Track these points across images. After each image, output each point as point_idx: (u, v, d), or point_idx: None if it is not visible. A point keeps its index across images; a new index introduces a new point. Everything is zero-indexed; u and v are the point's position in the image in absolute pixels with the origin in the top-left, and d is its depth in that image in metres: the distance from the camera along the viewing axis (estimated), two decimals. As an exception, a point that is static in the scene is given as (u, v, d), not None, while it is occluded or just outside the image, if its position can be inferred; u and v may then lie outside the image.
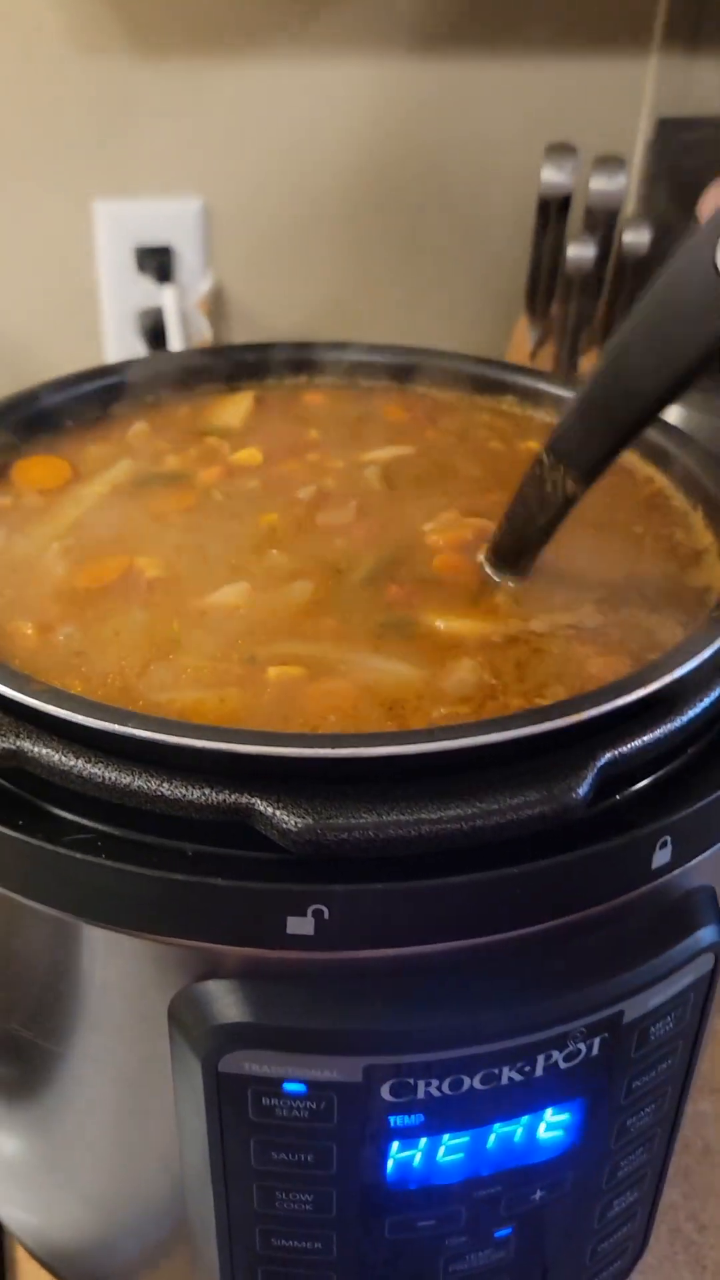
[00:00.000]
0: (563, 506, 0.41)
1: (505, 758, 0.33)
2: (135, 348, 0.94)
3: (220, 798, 0.32)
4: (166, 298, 0.91)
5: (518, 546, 0.43)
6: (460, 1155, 0.35)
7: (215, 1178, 0.35)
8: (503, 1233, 0.37)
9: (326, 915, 0.31)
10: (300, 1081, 0.32)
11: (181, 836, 0.33)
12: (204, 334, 0.93)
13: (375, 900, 0.31)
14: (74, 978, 0.36)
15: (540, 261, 0.82)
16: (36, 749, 0.33)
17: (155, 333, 0.93)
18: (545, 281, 0.83)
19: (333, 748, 0.32)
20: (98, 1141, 0.41)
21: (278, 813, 0.31)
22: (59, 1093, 0.40)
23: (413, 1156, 0.35)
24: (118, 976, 0.35)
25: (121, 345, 0.94)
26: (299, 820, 0.31)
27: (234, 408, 0.55)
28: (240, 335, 0.97)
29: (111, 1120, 0.40)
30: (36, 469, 0.50)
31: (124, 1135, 0.40)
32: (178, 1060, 0.34)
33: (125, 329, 0.94)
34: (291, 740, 0.32)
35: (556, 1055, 0.34)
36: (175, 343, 0.90)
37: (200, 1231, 0.38)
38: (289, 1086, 0.33)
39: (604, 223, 0.78)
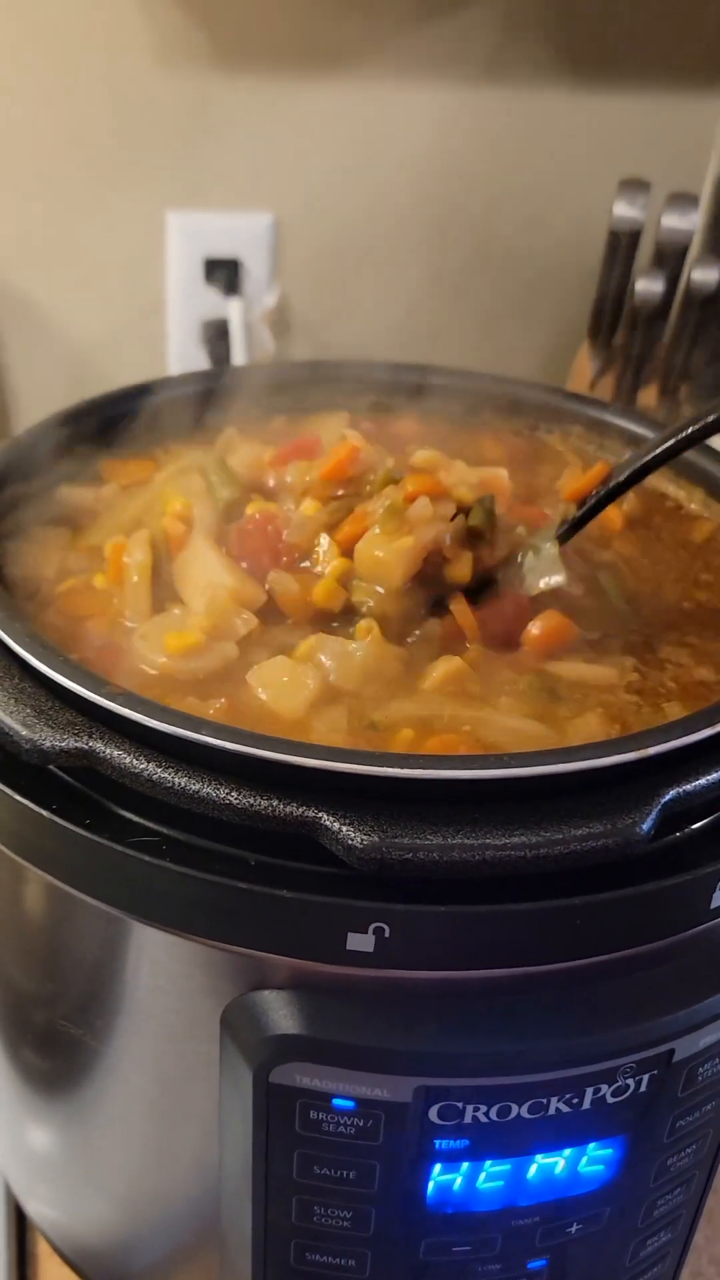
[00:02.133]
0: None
1: (571, 788, 0.33)
2: (197, 358, 0.95)
3: (287, 810, 0.32)
4: (233, 310, 0.92)
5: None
6: (500, 1183, 0.35)
7: (256, 1188, 0.35)
8: (536, 1264, 0.37)
9: (387, 934, 0.31)
10: (350, 1098, 0.33)
11: (245, 845, 0.33)
12: (267, 347, 0.94)
13: (436, 922, 0.32)
14: (126, 977, 0.36)
15: (607, 293, 0.83)
16: (108, 750, 0.33)
17: (217, 344, 0.94)
18: (610, 313, 0.83)
19: (401, 767, 0.32)
20: (132, 1141, 0.42)
21: (344, 828, 0.31)
22: (97, 1089, 0.41)
23: (454, 1180, 0.35)
24: (171, 979, 0.35)
25: (184, 355, 0.95)
26: (365, 837, 0.31)
27: (329, 428, 0.54)
28: (302, 351, 0.98)
29: (148, 1121, 0.40)
30: (123, 466, 0.51)
31: (160, 1137, 0.41)
32: (227, 1067, 0.34)
33: (189, 339, 0.95)
34: (360, 757, 0.32)
35: (605, 1089, 0.34)
36: (238, 355, 0.91)
37: (233, 1240, 0.38)
38: (338, 1102, 0.33)
39: (673, 258, 0.78)
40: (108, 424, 0.53)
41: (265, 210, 0.93)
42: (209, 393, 0.56)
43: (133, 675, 0.39)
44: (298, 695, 0.38)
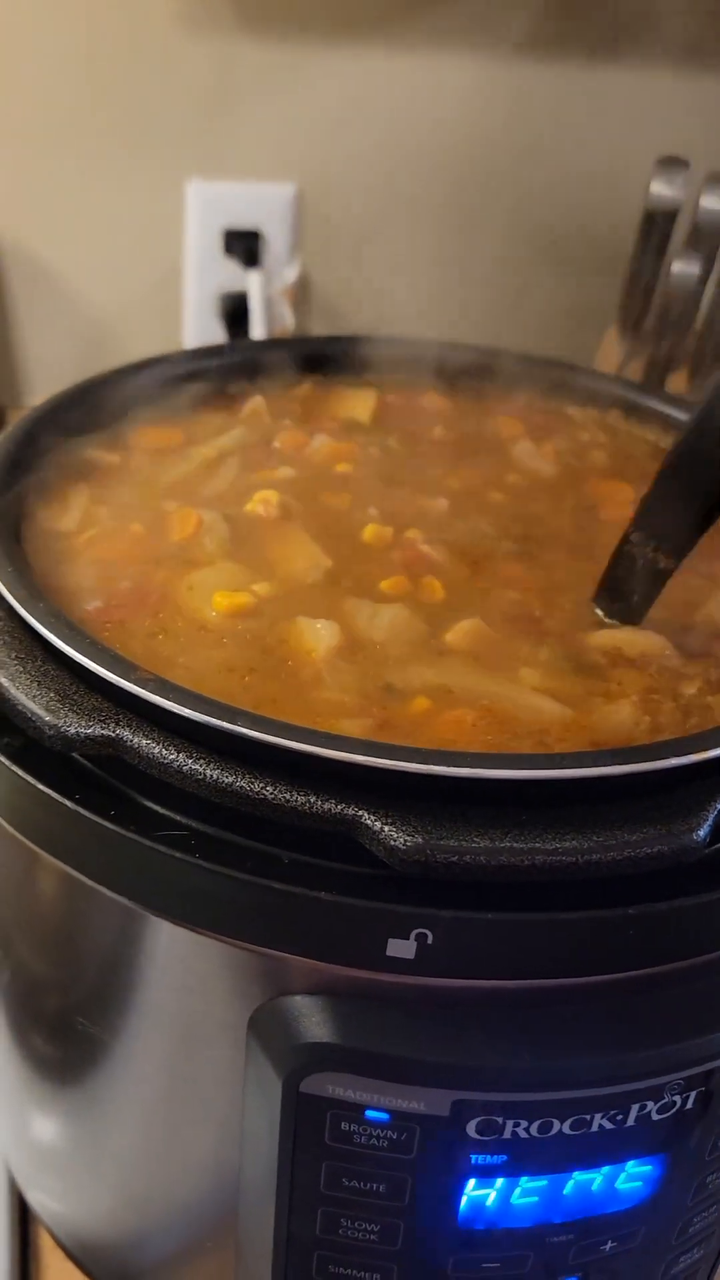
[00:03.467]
0: (657, 580, 0.39)
1: (623, 792, 0.31)
2: (214, 331, 0.93)
3: (325, 807, 0.30)
4: (252, 283, 0.89)
5: (623, 611, 0.41)
6: (535, 1199, 0.34)
7: (280, 1198, 0.34)
8: (567, 1281, 0.36)
9: (430, 940, 0.30)
10: (384, 1110, 0.31)
11: (280, 843, 0.31)
12: (286, 322, 0.92)
13: (482, 929, 0.30)
14: (148, 976, 0.35)
15: (639, 275, 0.80)
16: (135, 739, 0.32)
17: (235, 317, 0.92)
18: (642, 296, 0.81)
19: (448, 765, 0.30)
20: (144, 1140, 0.40)
21: (385, 828, 0.30)
22: (110, 1085, 0.39)
23: (487, 1196, 0.33)
24: (197, 980, 0.34)
25: (201, 327, 0.93)
26: (408, 839, 0.29)
27: (361, 401, 0.54)
28: (322, 326, 0.96)
29: (163, 1122, 0.39)
30: (150, 432, 0.51)
31: (175, 1139, 0.39)
32: (254, 1074, 0.33)
33: (205, 311, 0.93)
34: (405, 754, 0.31)
35: (651, 1106, 0.32)
36: (257, 329, 0.89)
37: (252, 1248, 0.37)
38: (371, 1114, 0.31)
39: (710, 240, 0.76)
40: (131, 392, 0.52)
41: (288, 181, 0.90)
42: (232, 364, 0.55)
43: (163, 621, 0.39)
44: (321, 642, 0.37)
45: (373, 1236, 0.34)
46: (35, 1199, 0.50)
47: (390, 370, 0.58)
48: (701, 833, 0.31)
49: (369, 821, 0.30)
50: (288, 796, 0.31)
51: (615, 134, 0.90)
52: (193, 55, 0.85)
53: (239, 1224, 0.37)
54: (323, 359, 0.58)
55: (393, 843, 0.29)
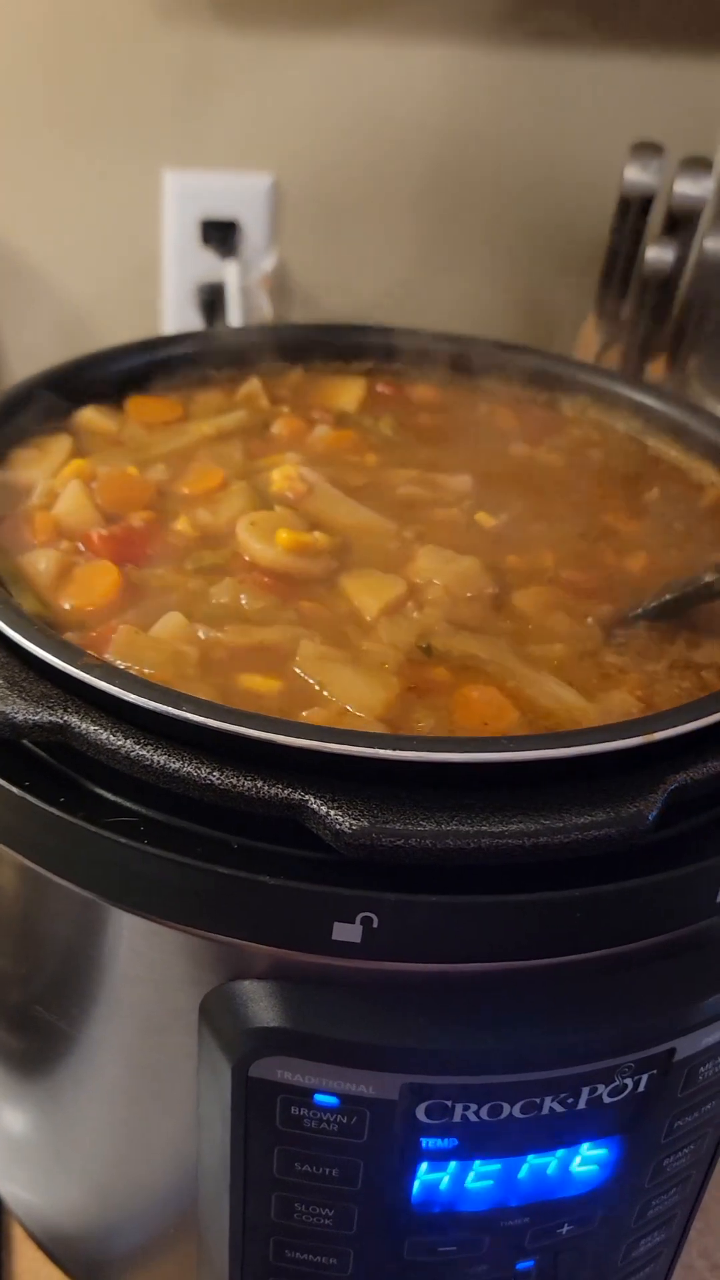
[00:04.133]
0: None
1: (572, 774, 0.31)
2: (193, 321, 0.93)
3: (272, 792, 0.30)
4: (229, 273, 0.89)
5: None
6: (490, 1183, 0.34)
7: (234, 1183, 0.34)
8: (525, 1264, 0.36)
9: (375, 923, 0.30)
10: (333, 1094, 0.31)
11: (228, 828, 0.31)
12: (264, 312, 0.91)
13: (427, 912, 0.30)
14: (101, 963, 0.35)
15: (615, 261, 0.80)
16: (83, 725, 0.32)
17: (213, 307, 0.92)
18: (619, 282, 0.81)
19: (393, 749, 0.30)
20: (107, 1129, 0.40)
21: (331, 812, 0.30)
22: (71, 1074, 0.39)
23: (440, 1180, 0.33)
24: (148, 967, 0.34)
25: (180, 318, 0.93)
26: (353, 822, 0.29)
27: (349, 391, 0.56)
28: (301, 316, 0.95)
29: (124, 1110, 0.39)
30: (149, 406, 0.52)
31: (136, 1127, 0.39)
32: (205, 1060, 0.33)
33: (184, 302, 0.92)
34: (350, 738, 0.30)
35: (602, 1089, 0.32)
36: (235, 319, 0.89)
37: (211, 1234, 0.37)
38: (320, 1098, 0.31)
39: (685, 226, 0.76)
40: (127, 371, 0.53)
41: (265, 170, 0.90)
42: (223, 349, 0.56)
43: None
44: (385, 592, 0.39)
45: (327, 1221, 0.34)
46: (7, 1191, 0.50)
47: (377, 359, 0.58)
48: (650, 815, 0.31)
49: (315, 805, 0.30)
50: (235, 782, 0.30)
51: (591, 121, 0.90)
52: (168, 44, 0.84)
53: (198, 1210, 0.37)
54: (311, 347, 0.58)
55: (338, 826, 0.29)
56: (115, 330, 0.92)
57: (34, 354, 0.92)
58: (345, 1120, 0.31)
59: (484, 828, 0.30)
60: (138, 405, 0.52)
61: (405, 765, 0.30)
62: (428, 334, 0.58)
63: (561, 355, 0.60)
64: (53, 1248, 0.49)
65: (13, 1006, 0.40)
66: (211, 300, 0.92)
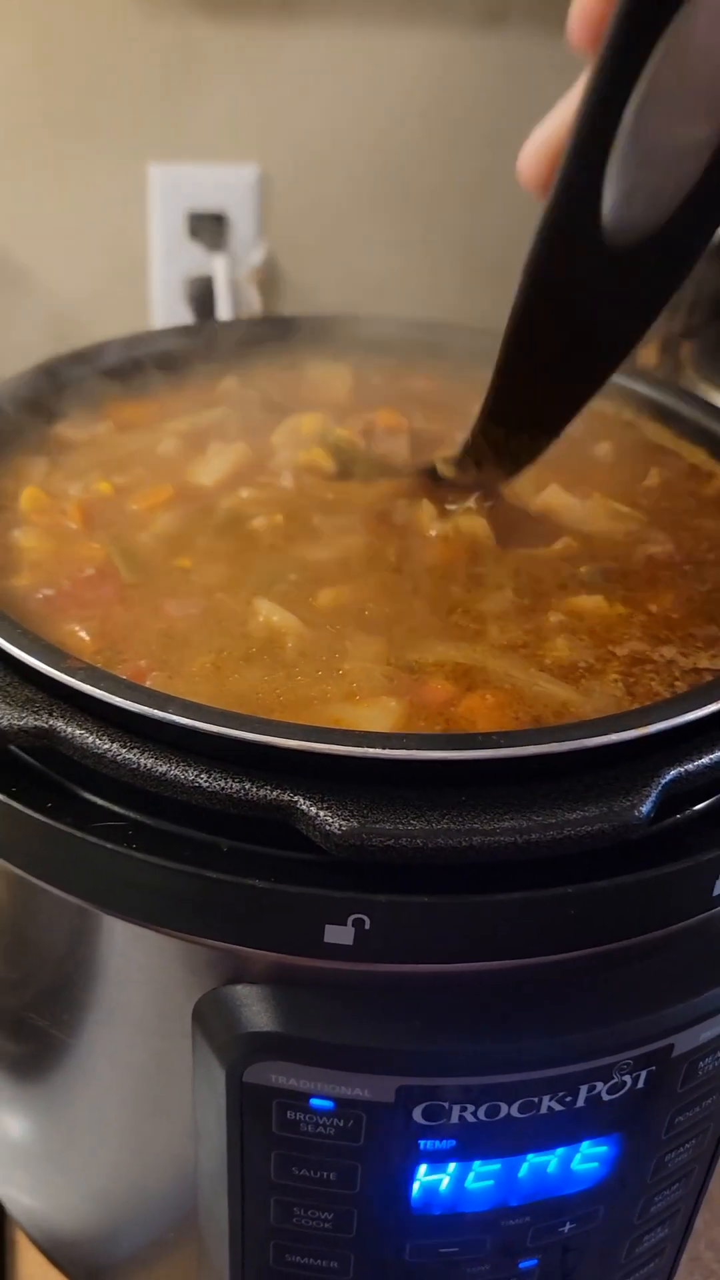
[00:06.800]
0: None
1: (564, 769, 0.31)
2: (182, 316, 0.92)
3: (260, 793, 0.30)
4: (218, 266, 0.88)
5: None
6: (490, 1183, 0.33)
7: (232, 1187, 0.33)
8: (528, 1264, 0.35)
9: (367, 925, 0.29)
10: (328, 1098, 0.31)
11: (217, 831, 0.31)
12: (253, 305, 0.91)
13: (419, 913, 0.29)
14: (93, 970, 0.35)
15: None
16: (69, 729, 0.31)
17: (202, 301, 0.91)
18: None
19: (381, 748, 0.30)
20: (105, 1134, 0.40)
21: (320, 813, 0.29)
22: (67, 1081, 0.39)
23: (440, 1181, 0.33)
24: (140, 973, 0.33)
25: (168, 313, 0.92)
26: (343, 823, 0.29)
27: (336, 380, 0.54)
28: (290, 308, 0.95)
29: (121, 1115, 0.39)
30: (128, 407, 0.51)
31: (133, 1133, 0.39)
32: (200, 1065, 0.32)
33: (173, 296, 0.92)
34: (338, 737, 0.30)
35: (600, 1086, 0.32)
36: (224, 313, 0.88)
37: (210, 1239, 0.37)
38: (316, 1102, 0.31)
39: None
40: (105, 371, 0.52)
41: (251, 162, 0.89)
42: (205, 345, 0.55)
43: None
44: None
45: (327, 1224, 0.33)
46: (7, 1195, 0.50)
47: (363, 350, 0.57)
48: (644, 809, 0.30)
49: (304, 806, 0.29)
50: (222, 784, 0.30)
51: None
52: (151, 36, 0.83)
53: (198, 1215, 0.37)
54: (295, 338, 0.57)
55: (328, 827, 0.29)
56: (104, 327, 0.91)
57: (21, 353, 0.92)
58: (342, 1124, 0.31)
59: (475, 825, 0.29)
60: (113, 408, 0.51)
61: (395, 764, 0.30)
62: (414, 322, 0.58)
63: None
64: (54, 1252, 0.48)
65: (5, 1013, 0.40)
66: (201, 294, 0.91)
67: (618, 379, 0.55)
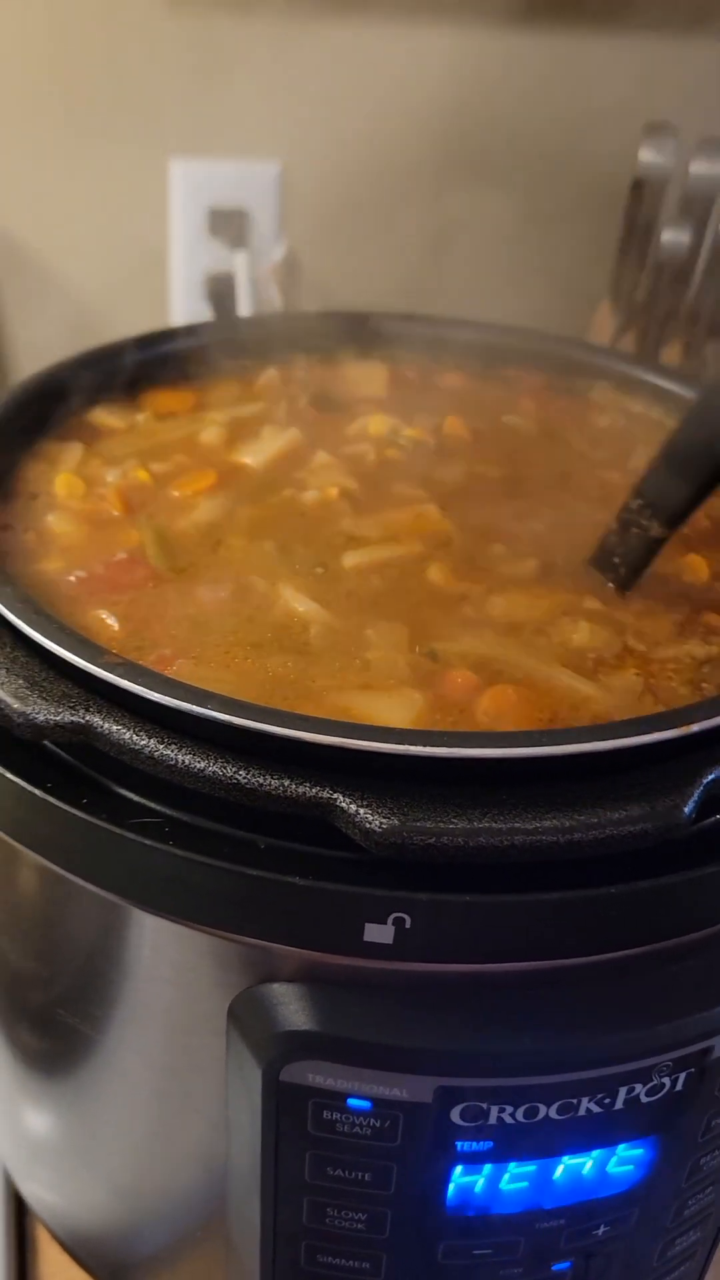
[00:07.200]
0: (650, 548, 0.40)
1: (607, 768, 0.30)
2: (202, 313, 0.92)
3: (300, 790, 0.29)
4: (239, 263, 0.88)
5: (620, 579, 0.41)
6: (525, 1184, 0.33)
7: (265, 1187, 0.33)
8: (561, 1266, 0.35)
9: (408, 924, 0.29)
10: (366, 1098, 0.30)
11: (256, 828, 0.31)
12: (274, 302, 0.90)
13: (460, 912, 0.29)
14: (126, 966, 0.34)
15: (630, 245, 0.79)
16: (106, 725, 0.31)
17: (223, 298, 0.91)
18: (634, 266, 0.80)
19: (424, 745, 0.29)
20: (133, 1132, 0.40)
21: (361, 811, 0.29)
22: (96, 1077, 0.39)
23: (475, 1182, 0.33)
24: (174, 970, 0.33)
25: (188, 309, 0.92)
26: (383, 820, 0.29)
27: (374, 377, 0.55)
28: (310, 306, 0.94)
29: (151, 1113, 0.38)
30: (164, 397, 0.52)
31: (163, 1130, 0.39)
32: (234, 1064, 0.32)
33: (192, 293, 0.92)
34: (379, 734, 0.30)
35: (639, 1089, 0.31)
36: (244, 310, 0.88)
37: (240, 1238, 0.36)
38: (353, 1102, 0.31)
39: (701, 208, 0.74)
40: (137, 365, 0.52)
41: (273, 158, 0.89)
42: (241, 339, 0.56)
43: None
44: None
45: (360, 1225, 0.33)
46: (29, 1191, 0.50)
47: (396, 347, 0.58)
48: (688, 809, 0.30)
49: (344, 804, 0.29)
50: (261, 781, 0.30)
51: (605, 102, 0.88)
52: (175, 30, 0.83)
53: (228, 1214, 0.37)
54: (331, 335, 0.58)
55: (368, 825, 0.29)
56: (124, 323, 0.91)
57: (42, 349, 0.92)
58: (378, 1124, 0.31)
59: (517, 824, 0.29)
60: (150, 397, 0.52)
61: (436, 762, 0.29)
62: (445, 320, 0.58)
63: (579, 340, 0.59)
64: (77, 1250, 0.48)
65: (35, 1009, 0.39)
66: (220, 291, 0.91)
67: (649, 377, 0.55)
